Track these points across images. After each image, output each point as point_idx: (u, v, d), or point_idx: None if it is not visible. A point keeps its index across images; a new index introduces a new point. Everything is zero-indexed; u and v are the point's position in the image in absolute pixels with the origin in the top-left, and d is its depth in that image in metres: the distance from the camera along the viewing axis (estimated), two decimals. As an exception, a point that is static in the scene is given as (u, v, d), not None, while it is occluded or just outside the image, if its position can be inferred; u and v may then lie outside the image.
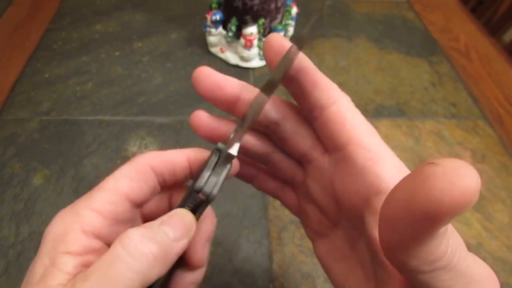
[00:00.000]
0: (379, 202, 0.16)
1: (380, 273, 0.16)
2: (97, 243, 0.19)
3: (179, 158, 0.21)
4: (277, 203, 0.38)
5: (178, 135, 0.44)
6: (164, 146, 0.42)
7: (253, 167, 0.23)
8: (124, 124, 0.44)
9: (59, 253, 0.17)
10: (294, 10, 0.54)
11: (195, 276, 0.22)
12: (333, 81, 0.19)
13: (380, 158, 0.17)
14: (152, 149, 0.42)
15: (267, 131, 0.21)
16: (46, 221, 0.35)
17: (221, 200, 0.38)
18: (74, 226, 0.18)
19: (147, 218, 0.21)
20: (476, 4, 0.97)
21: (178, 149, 0.21)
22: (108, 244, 0.19)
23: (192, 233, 0.19)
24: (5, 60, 0.51)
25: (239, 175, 0.23)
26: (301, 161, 0.21)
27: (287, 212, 0.37)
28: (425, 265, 0.13)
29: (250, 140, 0.21)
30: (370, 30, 0.62)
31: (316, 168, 0.20)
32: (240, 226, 0.36)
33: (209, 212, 0.21)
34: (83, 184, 0.38)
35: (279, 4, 0.50)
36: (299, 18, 0.56)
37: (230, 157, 0.19)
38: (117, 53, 0.54)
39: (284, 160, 0.22)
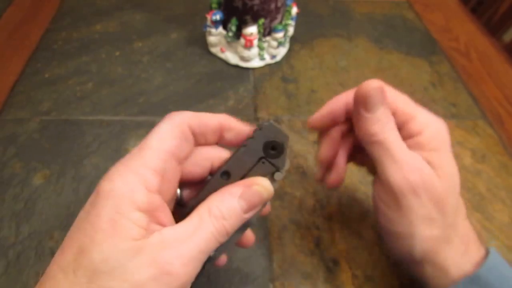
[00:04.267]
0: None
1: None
2: (159, 199, 0.20)
3: (212, 121, 0.23)
4: (277, 203, 0.38)
5: (178, 135, 0.44)
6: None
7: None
8: (124, 124, 0.44)
9: (132, 210, 0.18)
10: (294, 10, 0.54)
11: None
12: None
13: None
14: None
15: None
16: (46, 221, 0.35)
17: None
18: (138, 185, 0.19)
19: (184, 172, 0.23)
20: (476, 4, 0.97)
21: (210, 113, 0.23)
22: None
23: (265, 203, 0.22)
24: (5, 60, 0.51)
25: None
26: None
27: (287, 212, 0.37)
28: (365, 136, 0.26)
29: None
30: (370, 30, 0.62)
31: None
32: (240, 226, 0.36)
33: None
34: (83, 184, 0.38)
35: (279, 4, 0.50)
36: (299, 18, 0.56)
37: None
38: (117, 53, 0.54)
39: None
